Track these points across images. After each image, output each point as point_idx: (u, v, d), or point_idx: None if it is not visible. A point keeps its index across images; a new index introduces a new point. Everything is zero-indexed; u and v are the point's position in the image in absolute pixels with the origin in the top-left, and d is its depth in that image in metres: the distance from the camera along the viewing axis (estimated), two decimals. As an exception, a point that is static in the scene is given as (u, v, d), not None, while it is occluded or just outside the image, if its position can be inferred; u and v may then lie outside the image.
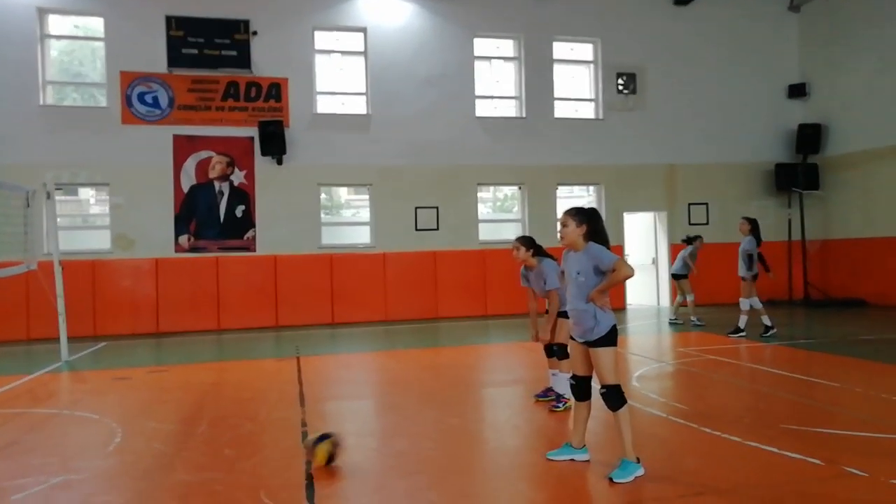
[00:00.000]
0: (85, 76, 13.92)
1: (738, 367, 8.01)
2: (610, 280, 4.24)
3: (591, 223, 4.39)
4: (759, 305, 10.34)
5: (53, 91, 13.35)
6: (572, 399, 4.68)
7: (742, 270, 10.35)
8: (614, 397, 4.25)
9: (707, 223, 15.94)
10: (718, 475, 4.25)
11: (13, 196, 8.99)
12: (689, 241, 12.65)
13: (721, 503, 3.80)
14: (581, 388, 4.50)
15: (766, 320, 10.25)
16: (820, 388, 6.74)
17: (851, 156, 15.19)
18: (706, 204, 16.00)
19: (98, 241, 13.23)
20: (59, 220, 13.29)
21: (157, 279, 13.09)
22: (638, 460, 4.23)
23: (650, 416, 5.76)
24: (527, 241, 6.16)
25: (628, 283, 16.83)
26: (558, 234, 4.56)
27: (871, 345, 9.39)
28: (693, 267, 12.32)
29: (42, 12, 12.94)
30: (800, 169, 15.71)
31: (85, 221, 14.40)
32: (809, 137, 15.76)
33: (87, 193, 14.47)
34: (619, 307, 15.23)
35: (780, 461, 4.46)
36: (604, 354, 4.28)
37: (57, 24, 13.40)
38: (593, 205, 15.89)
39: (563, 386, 5.91)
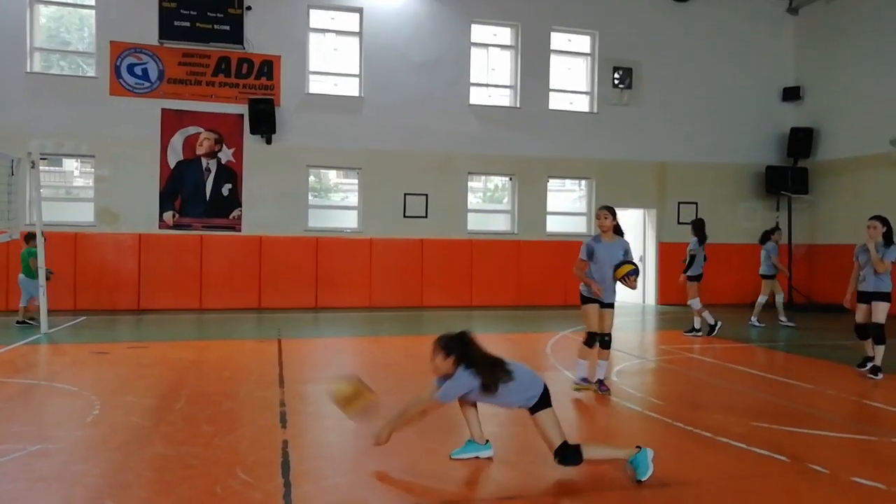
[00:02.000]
0: (73, 45, 13.66)
1: (717, 365, 8.04)
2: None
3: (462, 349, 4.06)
4: (697, 306, 10.47)
5: (41, 58, 13.09)
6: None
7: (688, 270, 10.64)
8: (569, 457, 3.96)
9: (695, 222, 15.97)
10: (685, 468, 4.32)
11: (17, 164, 8.83)
12: (766, 237, 12.05)
13: (684, 493, 3.86)
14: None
15: (709, 318, 10.40)
16: (794, 389, 6.78)
17: (841, 161, 15.26)
18: (696, 203, 16.02)
19: (81, 214, 13.04)
20: (42, 190, 13.13)
21: (140, 255, 12.93)
22: (639, 447, 4.03)
23: (626, 410, 5.77)
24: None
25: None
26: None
27: (848, 350, 9.47)
28: (778, 265, 11.91)
29: (31, -23, 12.69)
30: (790, 172, 15.77)
31: (68, 193, 14.19)
32: (801, 141, 15.83)
33: (71, 165, 14.24)
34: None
35: (747, 456, 4.50)
36: (543, 417, 4.00)
37: (46, -11, 13.13)
38: (583, 199, 15.89)
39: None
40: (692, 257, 10.62)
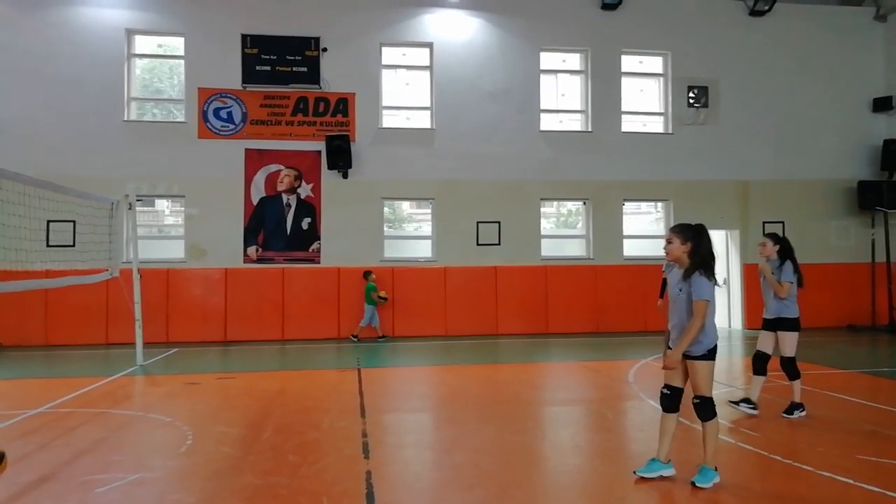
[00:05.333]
0: (165, 93, 14.60)
1: (814, 394, 7.58)
2: (686, 335, 4.35)
3: (696, 241, 4.44)
4: None
5: (136, 107, 14.05)
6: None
7: None
8: (706, 408, 4.43)
9: (782, 242, 15.25)
10: None
11: (99, 206, 9.49)
12: None
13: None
14: (672, 399, 4.58)
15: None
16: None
17: (942, 173, 14.29)
18: (782, 222, 15.32)
19: (173, 251, 13.79)
20: (138, 230, 13.99)
21: (227, 288, 13.52)
22: (716, 468, 4.40)
23: (721, 443, 5.51)
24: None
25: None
26: (663, 250, 4.69)
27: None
28: None
29: (129, 33, 13.69)
30: (885, 186, 14.87)
31: (161, 232, 15.05)
32: (895, 154, 14.93)
33: (163, 205, 15.12)
34: (687, 327, 14.72)
35: (853, 492, 4.20)
36: (703, 367, 4.42)
37: (142, 43, 14.12)
38: (661, 221, 15.50)
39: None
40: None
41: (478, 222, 14.42)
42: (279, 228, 13.88)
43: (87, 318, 12.92)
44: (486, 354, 11.63)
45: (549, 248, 14.86)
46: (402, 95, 14.95)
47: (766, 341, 6.58)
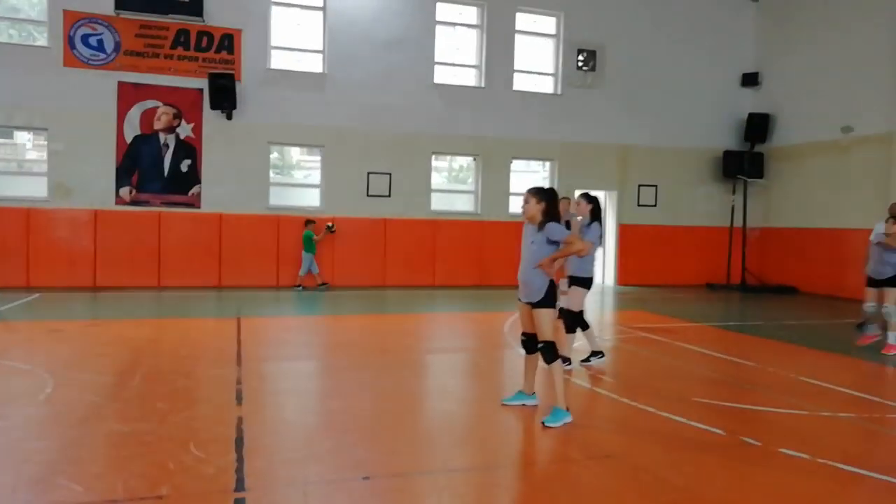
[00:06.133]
0: (24, 12, 13.17)
1: (668, 345, 8.29)
2: (561, 250, 4.87)
3: (548, 201, 4.95)
4: None
5: (-11, 26, 12.62)
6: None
7: None
8: (549, 352, 4.86)
9: (655, 205, 16.33)
10: (622, 440, 4.55)
11: None
12: None
13: (615, 465, 4.04)
14: (529, 343, 5.11)
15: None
16: (737, 367, 7.06)
17: (794, 147, 15.69)
18: (655, 186, 16.35)
19: (34, 188, 12.70)
20: (-8, 163, 12.74)
21: (96, 231, 12.67)
22: (567, 409, 4.80)
23: (575, 387, 5.96)
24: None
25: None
26: (521, 208, 5.08)
27: (793, 329, 9.87)
28: None
29: (-21, -60, 12.17)
30: (746, 157, 16.16)
31: (20, 167, 13.78)
32: (758, 126, 16.20)
33: (24, 138, 13.81)
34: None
35: (684, 429, 4.73)
36: (545, 314, 4.86)
37: (-5, -46, 12.60)
38: (546, 181, 16.04)
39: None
40: None
41: (368, 173, 14.31)
42: (156, 169, 13.10)
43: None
44: (371, 305, 11.74)
45: (439, 203, 15.04)
46: (293, 36, 14.35)
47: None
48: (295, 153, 15.34)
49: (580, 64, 15.63)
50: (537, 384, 5.27)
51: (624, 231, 16.13)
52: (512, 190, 15.43)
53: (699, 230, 16.42)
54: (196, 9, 12.93)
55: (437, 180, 15.40)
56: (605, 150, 15.89)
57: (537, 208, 4.93)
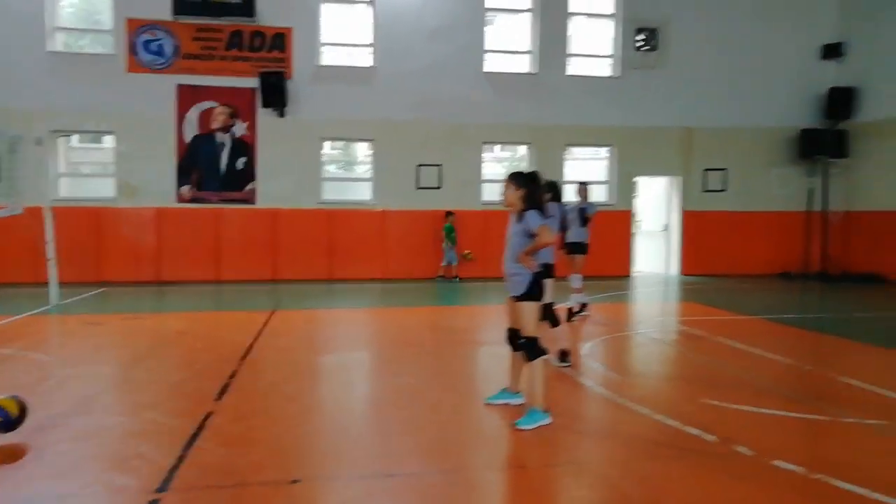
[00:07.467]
0: (89, 23, 14.00)
1: (703, 339, 7.69)
2: (533, 244, 4.54)
3: (529, 187, 4.62)
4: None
5: (62, 37, 13.48)
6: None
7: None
8: (531, 349, 4.56)
9: (724, 190, 15.33)
10: (596, 446, 4.24)
11: (18, 141, 9.19)
12: None
13: (572, 474, 3.75)
14: (513, 338, 4.83)
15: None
16: (768, 364, 6.42)
17: (884, 122, 14.23)
18: (724, 170, 15.33)
19: (103, 189, 13.52)
20: (67, 167, 13.67)
21: (159, 228, 13.34)
22: (547, 410, 4.51)
23: (574, 385, 5.62)
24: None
25: (639, 249, 16.43)
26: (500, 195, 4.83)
27: (859, 323, 8.94)
28: None
29: (50, -42, 13.02)
30: (828, 135, 14.83)
31: (92, 169, 14.71)
32: (841, 101, 14.82)
33: (94, 141, 14.74)
34: (624, 274, 14.90)
35: (673, 435, 4.33)
36: (526, 308, 4.59)
37: (66, -30, 13.46)
38: (605, 167, 15.39)
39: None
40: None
41: (418, 165, 14.25)
42: (213, 168, 13.62)
43: (18, 255, 12.67)
44: (422, 297, 11.67)
45: (490, 193, 14.77)
46: (343, 31, 14.47)
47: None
48: (361, 148, 15.37)
49: (640, 44, 14.86)
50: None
51: (689, 218, 15.24)
52: (567, 178, 14.91)
53: (773, 215, 15.26)
54: (248, 10, 13.29)
55: (488, 170, 15.09)
56: (667, 133, 15.06)
57: (516, 195, 4.64)
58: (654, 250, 16.06)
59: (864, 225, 14.63)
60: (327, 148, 14.65)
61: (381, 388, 5.61)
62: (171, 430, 4.32)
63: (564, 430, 4.42)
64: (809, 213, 15.07)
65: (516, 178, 4.68)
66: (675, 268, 15.41)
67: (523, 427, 4.40)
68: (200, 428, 4.35)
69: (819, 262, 14.77)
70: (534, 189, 4.62)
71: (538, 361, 4.57)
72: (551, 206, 6.19)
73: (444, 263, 13.93)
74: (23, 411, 4.11)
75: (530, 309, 4.61)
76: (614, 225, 14.72)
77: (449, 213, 13.91)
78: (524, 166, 15.33)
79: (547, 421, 4.46)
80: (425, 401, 5.17)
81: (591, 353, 6.86)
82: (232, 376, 5.73)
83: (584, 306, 8.90)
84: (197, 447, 4.02)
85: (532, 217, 4.54)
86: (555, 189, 6.47)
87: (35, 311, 9.30)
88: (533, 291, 4.60)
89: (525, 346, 4.61)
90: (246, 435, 4.27)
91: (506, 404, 4.94)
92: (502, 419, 4.65)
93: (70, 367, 6.07)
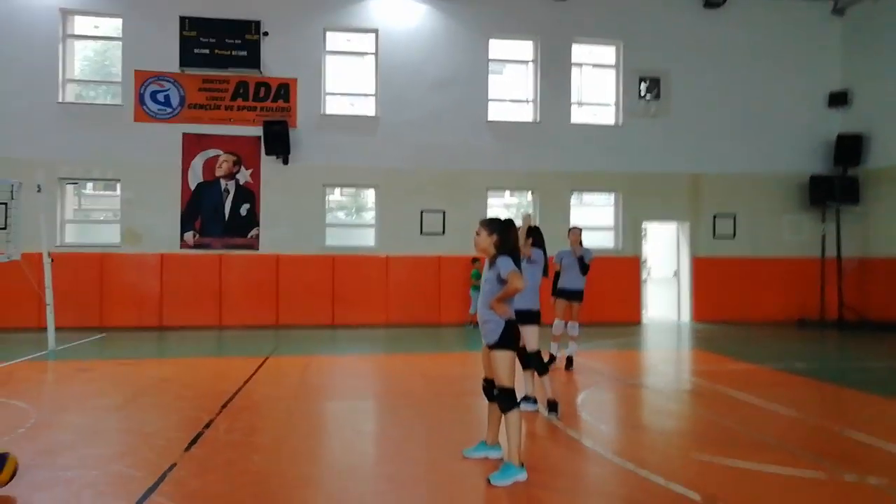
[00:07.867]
0: (102, 75, 14.38)
1: (706, 388, 7.39)
2: (503, 290, 4.36)
3: (501, 234, 4.49)
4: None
5: (72, 89, 13.83)
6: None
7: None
8: (504, 399, 4.35)
9: (734, 236, 15.10)
10: None
11: (17, 189, 9.31)
12: None
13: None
14: (489, 389, 4.63)
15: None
16: (770, 416, 6.10)
17: (895, 169, 14.05)
18: (734, 216, 15.13)
19: (108, 236, 13.63)
20: (72, 213, 13.83)
21: (162, 274, 13.36)
22: (522, 465, 4.29)
23: (558, 437, 5.35)
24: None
25: (649, 296, 16.15)
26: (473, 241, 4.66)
27: (873, 372, 8.57)
28: None
29: (65, 13, 13.45)
30: (837, 181, 14.63)
31: (105, 215, 14.87)
32: (849, 148, 14.69)
33: (108, 188, 14.96)
34: (634, 321, 14.59)
35: (654, 493, 4.05)
36: (499, 357, 4.40)
37: (78, 24, 13.88)
38: (611, 212, 15.26)
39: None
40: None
41: (422, 211, 14.23)
42: (217, 214, 13.71)
43: (19, 300, 12.71)
44: (421, 343, 11.46)
45: (494, 239, 14.63)
46: (347, 81, 14.72)
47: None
48: (370, 194, 15.35)
49: (643, 92, 14.92)
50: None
51: (699, 264, 14.99)
52: (572, 223, 14.76)
53: (785, 262, 14.98)
54: (254, 62, 13.59)
55: (501, 215, 14.99)
56: (674, 179, 14.97)
57: (488, 241, 4.51)
58: (665, 297, 15.78)
59: (880, 271, 14.28)
60: (336, 194, 14.73)
61: (360, 441, 5.39)
62: (129, 482, 4.14)
63: (539, 487, 4.16)
64: (823, 260, 14.73)
65: (489, 224, 4.55)
66: (686, 314, 15.08)
67: (497, 483, 4.17)
68: (160, 481, 4.16)
69: (836, 309, 14.36)
70: (506, 235, 4.49)
71: (513, 413, 4.34)
72: (535, 252, 6.16)
73: (472, 311, 13.54)
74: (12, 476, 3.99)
75: (504, 358, 4.40)
76: (623, 271, 14.52)
77: (475, 260, 13.73)
78: (531, 212, 15.26)
79: (522, 477, 4.22)
80: (405, 455, 4.94)
81: (584, 403, 6.60)
82: (207, 426, 5.56)
83: (570, 359, 8.72)
84: (150, 502, 3.83)
85: (503, 263, 4.40)
86: (538, 235, 6.33)
87: (31, 357, 9.24)
88: (506, 340, 4.41)
89: (498, 398, 4.41)
90: (203, 490, 4.07)
91: (484, 457, 4.71)
92: (480, 475, 4.40)
93: (47, 415, 5.93)
